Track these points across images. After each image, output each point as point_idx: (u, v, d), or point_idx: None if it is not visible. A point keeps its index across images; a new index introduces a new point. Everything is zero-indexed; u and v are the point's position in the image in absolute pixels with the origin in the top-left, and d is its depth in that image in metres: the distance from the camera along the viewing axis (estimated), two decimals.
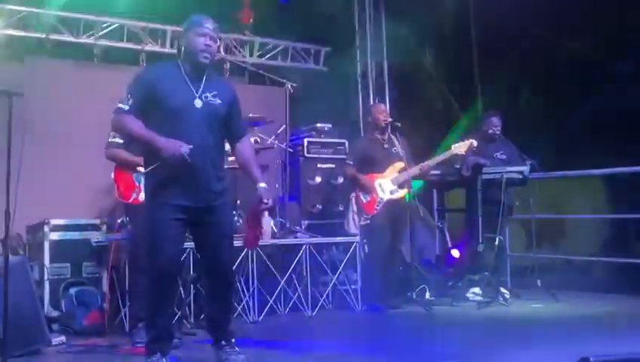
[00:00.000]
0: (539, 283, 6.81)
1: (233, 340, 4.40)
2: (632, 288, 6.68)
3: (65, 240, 6.02)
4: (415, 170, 6.50)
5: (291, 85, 6.76)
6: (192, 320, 5.79)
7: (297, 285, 6.34)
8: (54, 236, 5.98)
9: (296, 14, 8.28)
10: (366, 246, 6.69)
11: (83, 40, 7.43)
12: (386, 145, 6.63)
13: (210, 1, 7.74)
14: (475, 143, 6.55)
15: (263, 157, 6.77)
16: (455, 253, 7.49)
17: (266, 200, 4.33)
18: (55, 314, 5.76)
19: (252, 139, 6.44)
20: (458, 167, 6.94)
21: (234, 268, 4.77)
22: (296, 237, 6.52)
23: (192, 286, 5.70)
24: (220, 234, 4.32)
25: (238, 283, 5.98)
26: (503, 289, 6.71)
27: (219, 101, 4.27)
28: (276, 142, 6.80)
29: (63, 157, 6.89)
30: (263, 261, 6.11)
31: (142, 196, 4.99)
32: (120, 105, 4.17)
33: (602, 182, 8.06)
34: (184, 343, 4.99)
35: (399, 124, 6.59)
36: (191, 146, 4.05)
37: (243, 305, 6.03)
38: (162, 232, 4.14)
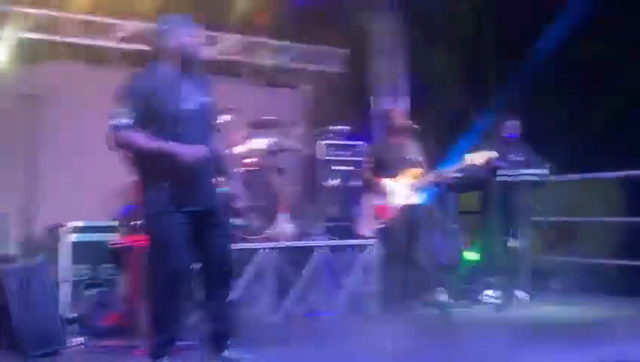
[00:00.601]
0: (555, 285, 6.78)
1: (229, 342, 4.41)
2: None
3: (83, 241, 6.05)
4: (431, 176, 6.49)
5: (309, 88, 6.77)
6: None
7: (313, 287, 6.35)
8: (73, 238, 6.02)
9: (312, 17, 8.29)
10: (382, 250, 6.69)
11: (100, 43, 7.47)
12: (402, 150, 6.62)
13: (226, 3, 7.82)
14: (494, 156, 6.45)
15: (280, 160, 6.80)
16: (471, 255, 7.48)
17: None
18: (73, 315, 5.80)
19: (270, 142, 6.49)
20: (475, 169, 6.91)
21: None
22: (313, 240, 6.53)
23: None
24: (223, 235, 4.38)
25: (252, 285, 6.02)
26: (518, 292, 6.69)
27: (208, 98, 4.31)
28: (293, 144, 6.81)
29: (81, 159, 6.91)
30: (280, 263, 6.11)
31: None
32: (117, 120, 4.07)
33: (618, 185, 8.02)
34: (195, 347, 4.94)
35: (416, 127, 6.58)
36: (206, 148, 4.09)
37: (259, 307, 6.05)
38: (174, 238, 4.15)
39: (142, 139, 4.10)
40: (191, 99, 4.21)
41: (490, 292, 6.82)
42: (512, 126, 7.06)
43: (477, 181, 6.98)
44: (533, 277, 7.33)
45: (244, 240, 5.99)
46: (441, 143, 7.78)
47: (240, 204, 4.43)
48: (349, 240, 6.79)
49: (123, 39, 7.58)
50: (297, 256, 6.48)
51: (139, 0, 7.33)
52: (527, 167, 6.78)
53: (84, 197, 6.73)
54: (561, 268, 7.33)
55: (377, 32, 8.93)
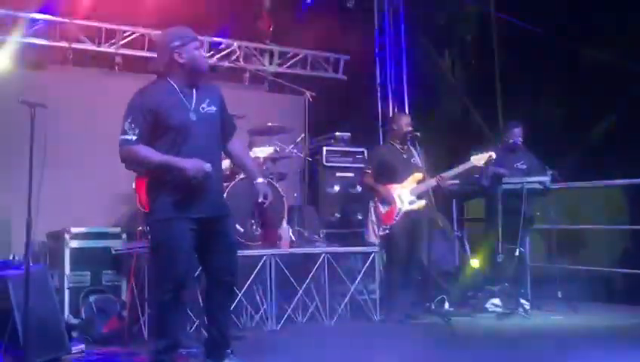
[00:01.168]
0: (559, 294, 6.76)
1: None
2: None
3: (85, 248, 6.07)
4: (433, 181, 6.47)
5: (310, 94, 6.77)
6: None
7: (315, 294, 6.33)
8: (75, 244, 6.04)
9: (315, 23, 8.30)
10: (385, 257, 6.67)
11: (105, 49, 7.50)
12: (405, 155, 6.59)
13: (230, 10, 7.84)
14: (493, 156, 6.49)
15: (282, 166, 6.80)
16: (474, 263, 7.45)
17: (264, 195, 4.42)
18: (75, 321, 5.79)
19: (271, 148, 6.50)
20: (477, 176, 6.90)
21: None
22: (314, 247, 6.52)
23: None
24: (229, 243, 4.39)
25: (256, 292, 6.01)
26: (522, 301, 6.67)
27: (214, 108, 4.31)
28: (295, 150, 6.82)
29: (84, 166, 6.94)
30: (282, 270, 6.10)
31: None
32: (124, 136, 4.11)
33: (622, 193, 8.00)
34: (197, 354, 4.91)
35: (419, 134, 6.56)
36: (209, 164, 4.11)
37: (261, 314, 6.04)
38: (179, 245, 4.15)
39: (149, 154, 4.13)
40: (199, 111, 4.23)
41: (495, 300, 6.79)
42: (517, 132, 7.03)
43: (480, 189, 6.95)
44: (537, 286, 7.30)
45: (247, 246, 5.98)
46: (445, 149, 7.78)
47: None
48: (351, 248, 6.77)
49: (127, 45, 7.59)
50: (299, 263, 6.46)
51: (143, 7, 7.34)
52: (529, 174, 6.75)
53: (87, 203, 6.74)
54: (566, 276, 7.28)
55: (381, 38, 8.95)
